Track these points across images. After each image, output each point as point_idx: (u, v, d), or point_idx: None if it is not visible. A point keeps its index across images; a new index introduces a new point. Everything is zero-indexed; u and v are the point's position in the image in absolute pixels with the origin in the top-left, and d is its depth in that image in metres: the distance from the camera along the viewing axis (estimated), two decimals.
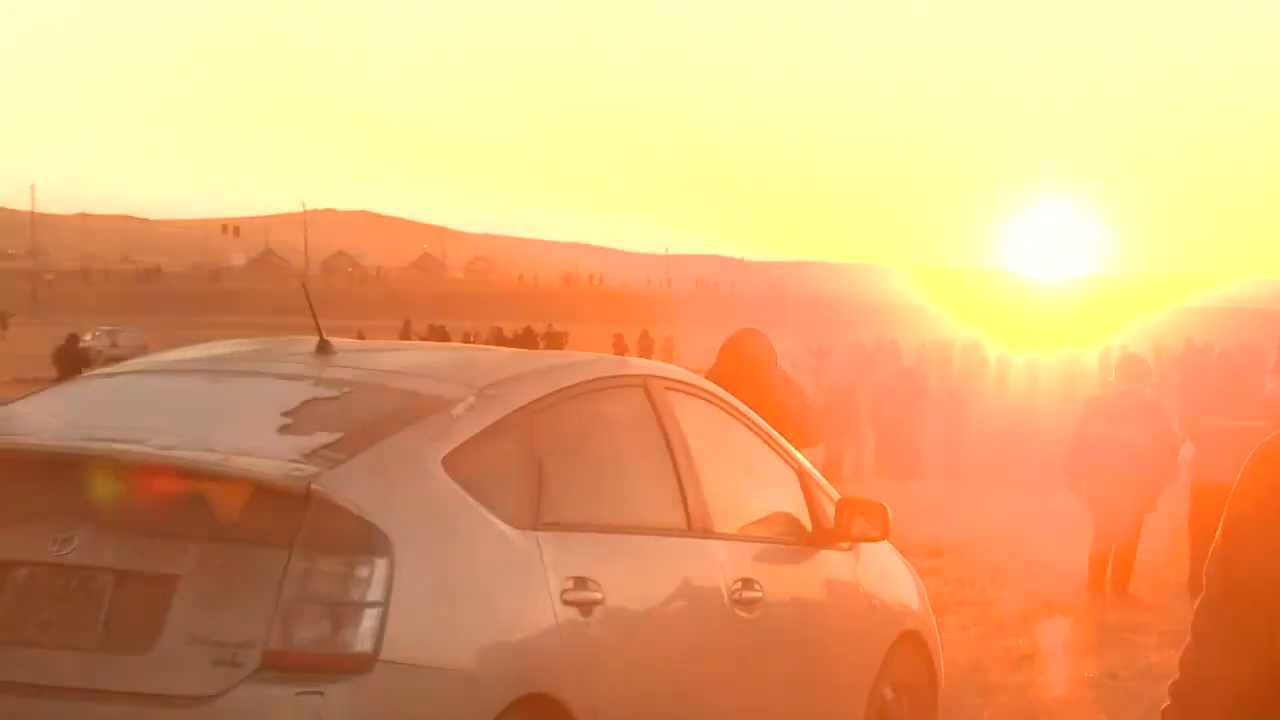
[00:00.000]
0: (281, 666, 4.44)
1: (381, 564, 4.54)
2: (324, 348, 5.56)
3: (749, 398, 6.68)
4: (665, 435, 5.78)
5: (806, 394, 9.52)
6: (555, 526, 5.15)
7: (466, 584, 4.83)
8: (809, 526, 6.40)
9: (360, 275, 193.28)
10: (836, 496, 6.60)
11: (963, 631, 10.82)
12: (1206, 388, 14.33)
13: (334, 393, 5.14)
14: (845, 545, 6.51)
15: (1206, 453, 12.84)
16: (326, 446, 4.76)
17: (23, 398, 5.55)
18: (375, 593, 4.52)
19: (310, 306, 5.81)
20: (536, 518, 5.09)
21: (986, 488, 21.60)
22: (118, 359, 9.33)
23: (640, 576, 5.49)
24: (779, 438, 6.52)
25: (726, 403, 6.33)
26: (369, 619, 4.50)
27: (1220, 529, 2.17)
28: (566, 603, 5.05)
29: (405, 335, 52.10)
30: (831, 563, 6.46)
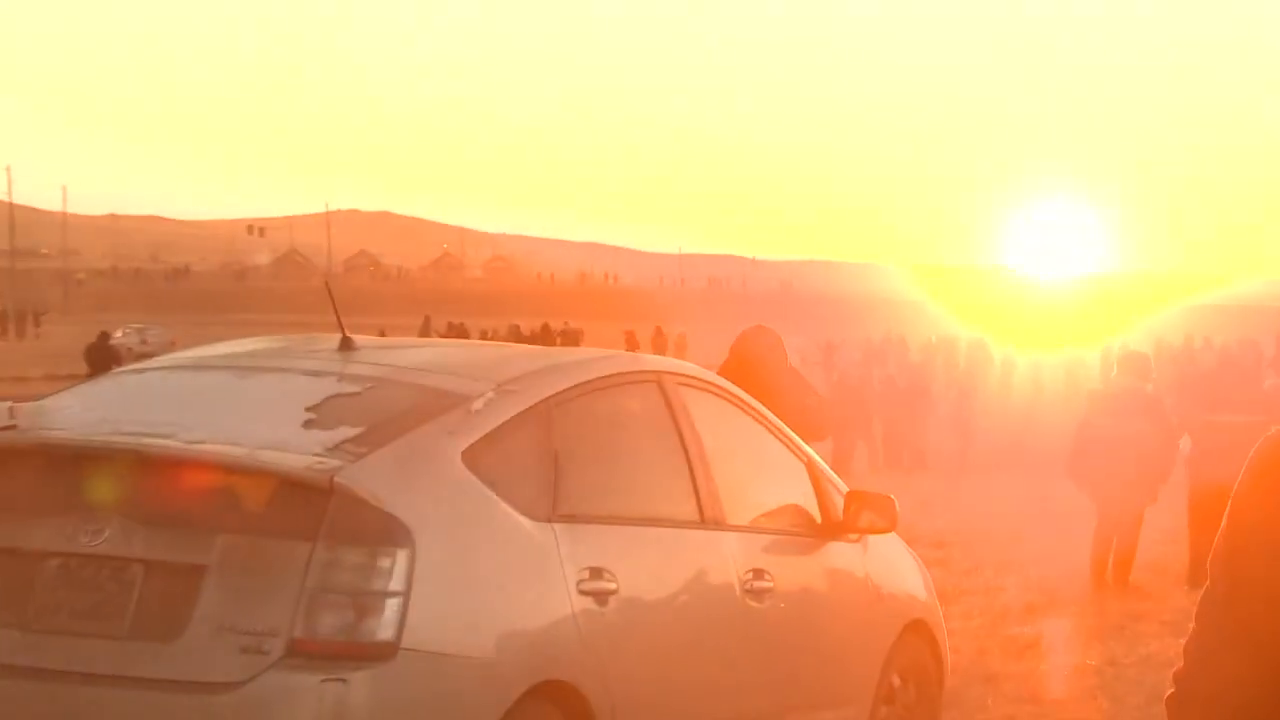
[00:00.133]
0: (306, 654, 4.45)
1: (403, 555, 4.55)
2: (346, 345, 5.57)
3: (759, 393, 6.68)
4: (678, 429, 5.78)
5: (815, 389, 9.51)
6: (571, 518, 5.15)
7: (485, 574, 4.84)
8: (818, 518, 6.40)
9: (381, 274, 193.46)
10: (845, 489, 6.59)
11: (968, 620, 10.81)
12: (1205, 383, 14.30)
13: (356, 388, 5.15)
14: (853, 537, 6.50)
15: (1204, 447, 12.83)
16: (349, 441, 4.77)
17: (55, 393, 5.56)
18: (397, 583, 4.53)
19: (333, 304, 5.82)
20: (553, 510, 5.10)
21: (992, 481, 21.59)
22: (146, 356, 9.33)
23: (654, 567, 5.49)
24: (789, 432, 6.52)
25: (738, 398, 6.32)
26: (391, 608, 4.51)
27: (1224, 523, 2.16)
28: (582, 592, 5.05)
29: (425, 332, 52.16)
30: (840, 554, 6.46)
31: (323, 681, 4.42)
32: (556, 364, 5.65)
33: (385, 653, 4.48)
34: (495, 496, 4.93)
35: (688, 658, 5.52)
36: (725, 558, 5.78)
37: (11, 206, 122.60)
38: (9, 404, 5.11)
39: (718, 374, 6.83)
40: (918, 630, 6.82)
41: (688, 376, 6.10)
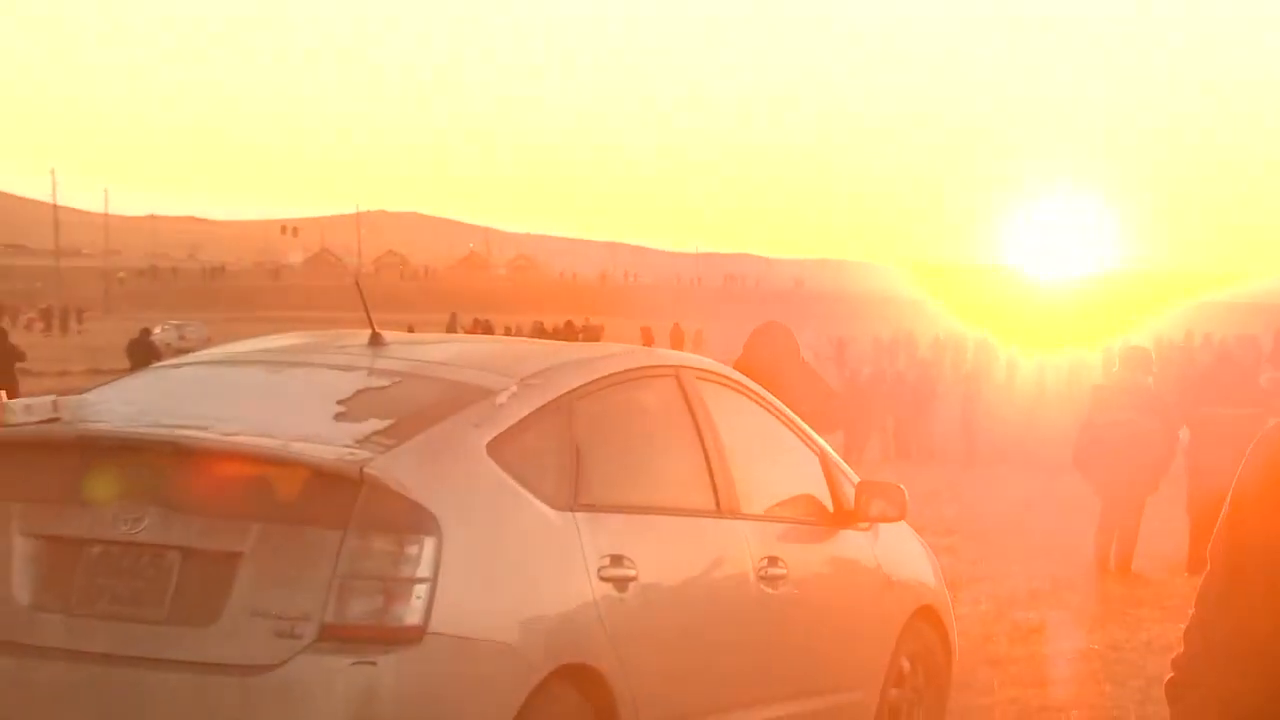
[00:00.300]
0: (337, 638, 4.45)
1: (430, 542, 4.55)
2: (376, 340, 5.57)
3: (773, 387, 6.67)
4: (695, 422, 5.78)
5: (827, 383, 9.50)
6: (592, 507, 5.15)
7: (509, 561, 4.84)
8: (830, 507, 6.39)
9: (409, 272, 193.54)
10: (856, 479, 6.58)
11: (975, 606, 10.80)
12: (1203, 378, 14.26)
13: (385, 382, 5.15)
14: (864, 525, 6.49)
15: (1203, 439, 12.81)
16: (378, 433, 4.77)
17: (96, 387, 5.58)
18: (424, 569, 4.53)
19: (363, 302, 5.82)
20: (574, 499, 5.10)
21: (998, 473, 21.55)
22: (184, 351, 9.37)
23: (672, 554, 5.49)
24: (802, 424, 6.51)
25: (753, 391, 6.32)
26: (418, 594, 4.51)
27: (1226, 512, 2.16)
28: (603, 579, 5.05)
29: (451, 329, 52.19)
30: (851, 542, 6.44)
31: (353, 664, 4.42)
32: (578, 359, 5.65)
33: (413, 637, 4.49)
34: (519, 486, 4.93)
35: (704, 642, 5.51)
36: (741, 545, 5.77)
37: (55, 208, 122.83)
38: (53, 397, 5.12)
39: (733, 368, 6.82)
40: (927, 616, 6.81)
41: (704, 371, 6.09)
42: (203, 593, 4.55)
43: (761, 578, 5.80)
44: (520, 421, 5.05)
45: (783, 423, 6.40)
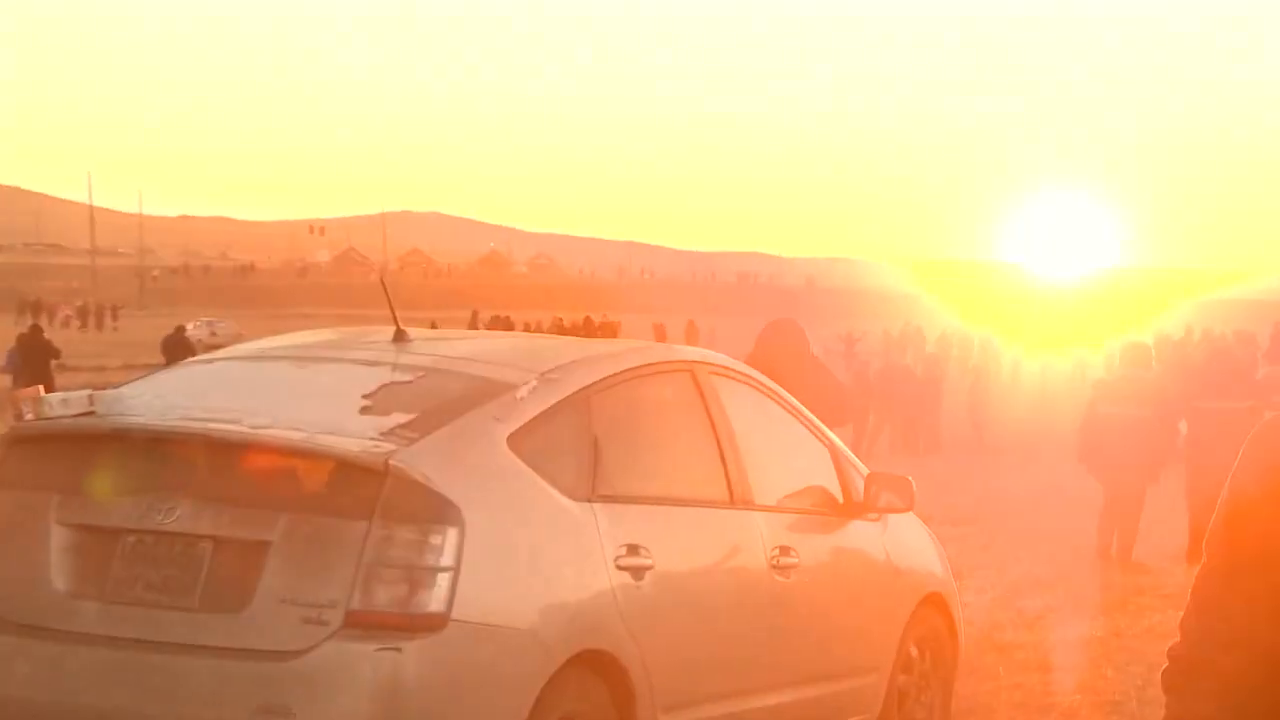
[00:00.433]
0: (363, 625, 4.45)
1: (453, 532, 4.55)
2: (400, 336, 5.57)
3: (785, 381, 6.65)
4: (709, 415, 5.77)
5: (837, 378, 9.48)
6: (610, 498, 5.14)
7: (529, 550, 4.84)
8: (840, 499, 6.37)
9: (433, 271, 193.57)
10: (865, 471, 6.57)
11: (981, 594, 10.78)
12: (1200, 372, 14.23)
13: (409, 377, 5.15)
14: (873, 516, 6.47)
15: (1201, 432, 12.79)
16: (403, 426, 4.77)
17: (130, 382, 5.58)
18: (447, 558, 4.53)
19: (388, 299, 5.82)
20: (593, 490, 5.09)
21: (1004, 465, 21.51)
22: (215, 347, 9.39)
23: (687, 544, 5.48)
24: (812, 417, 6.50)
25: (765, 386, 6.31)
26: (442, 582, 4.51)
27: (1222, 505, 2.14)
28: (620, 567, 5.05)
29: (473, 325, 52.21)
30: (861, 532, 6.43)
31: (378, 650, 4.43)
32: (596, 354, 5.64)
33: (436, 624, 4.49)
34: (539, 478, 4.93)
35: (718, 629, 5.51)
36: (753, 535, 5.77)
37: (92, 209, 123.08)
38: (88, 391, 5.13)
39: (746, 363, 6.81)
40: (934, 603, 6.79)
41: (718, 366, 6.09)
42: (233, 581, 4.56)
43: (774, 567, 5.79)
44: (540, 415, 5.04)
45: (794, 416, 6.38)
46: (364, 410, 4.88)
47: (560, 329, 49.85)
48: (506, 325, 50.78)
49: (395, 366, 5.25)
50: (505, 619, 4.65)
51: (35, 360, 22.94)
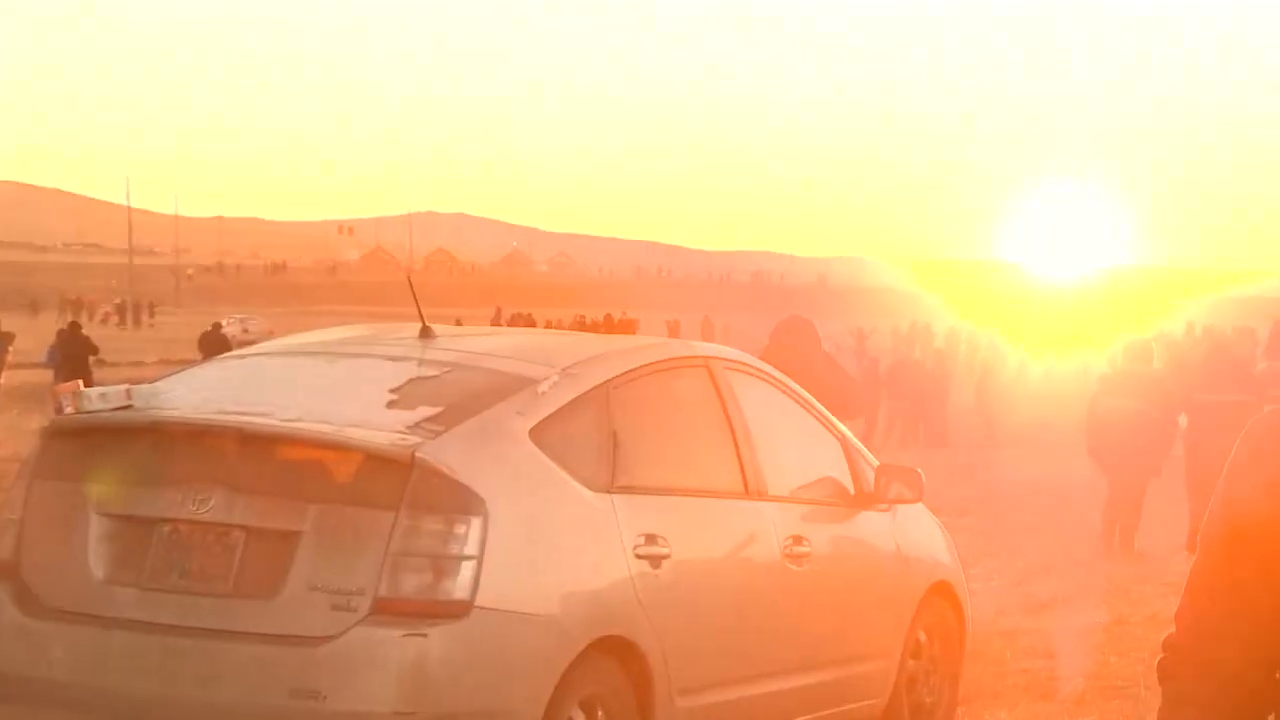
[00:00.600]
0: (390, 612, 4.45)
1: (477, 522, 4.55)
2: (426, 333, 5.57)
3: (797, 376, 6.64)
4: (724, 409, 5.76)
5: (847, 372, 9.46)
6: (628, 489, 5.14)
7: (551, 540, 4.83)
8: (851, 489, 6.36)
9: (457, 269, 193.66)
10: (875, 463, 6.55)
11: (988, 582, 10.75)
12: (1200, 367, 14.18)
13: (435, 372, 5.15)
14: (883, 506, 6.46)
15: (1200, 424, 12.75)
16: (428, 419, 4.77)
17: (166, 377, 5.59)
18: (471, 547, 4.53)
19: (414, 297, 5.82)
20: (612, 481, 5.09)
21: (1010, 457, 21.45)
22: (248, 343, 9.40)
23: (703, 533, 5.48)
24: (824, 411, 6.48)
25: (778, 380, 6.29)
26: (466, 570, 4.51)
27: (1218, 496, 2.13)
28: (638, 556, 5.04)
29: (496, 322, 52.20)
30: (871, 522, 6.42)
31: (405, 636, 4.43)
32: (615, 350, 5.63)
33: (461, 610, 4.49)
34: (560, 470, 4.92)
35: (733, 616, 5.50)
36: (767, 525, 5.76)
37: (130, 210, 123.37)
38: (126, 386, 5.13)
39: (759, 359, 6.80)
40: (942, 591, 6.77)
41: (733, 361, 6.08)
42: (265, 569, 4.57)
43: (787, 555, 5.78)
44: (561, 409, 5.04)
45: (806, 410, 6.37)
46: (391, 404, 4.88)
47: (582, 326, 49.87)
48: (528, 322, 50.80)
49: (421, 362, 5.25)
50: (527, 605, 4.65)
51: (75, 356, 23.00)
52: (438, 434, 4.69)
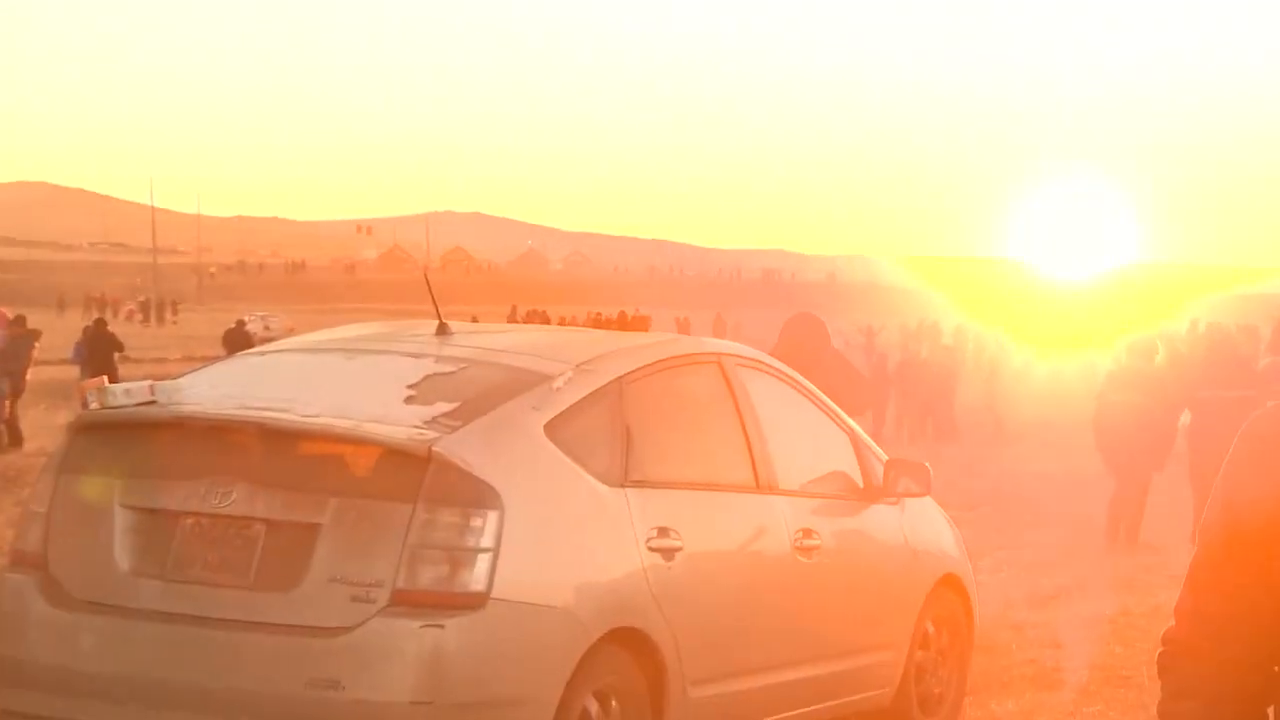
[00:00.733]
0: (408, 603, 4.46)
1: (493, 515, 4.55)
2: (443, 330, 5.57)
3: (807, 372, 6.63)
4: (736, 405, 5.75)
5: (856, 369, 9.44)
6: (641, 483, 5.13)
7: (565, 533, 4.83)
8: (860, 483, 6.35)
9: (474, 268, 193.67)
10: (884, 457, 6.54)
11: (995, 574, 10.73)
12: (1203, 363, 14.15)
13: (451, 368, 5.15)
14: (892, 500, 6.45)
15: (1203, 420, 12.73)
16: (445, 414, 4.77)
17: (188, 373, 5.60)
18: (487, 540, 4.53)
19: (431, 295, 5.82)
20: (625, 475, 5.08)
21: (1017, 451, 21.40)
22: (269, 340, 9.41)
23: (715, 526, 5.47)
24: (833, 406, 6.47)
25: (788, 376, 6.28)
26: (482, 563, 4.51)
27: (1217, 490, 2.11)
28: (651, 549, 5.04)
29: (512, 319, 52.22)
30: (880, 515, 6.41)
31: (422, 627, 4.43)
32: (628, 347, 5.63)
33: (477, 602, 4.49)
34: (574, 464, 4.92)
35: (744, 607, 5.50)
36: (778, 518, 5.75)
37: (153, 210, 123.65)
38: (149, 382, 5.14)
39: (770, 355, 6.79)
40: (950, 583, 6.76)
41: (744, 358, 6.07)
42: (285, 561, 4.57)
43: (797, 548, 5.78)
44: (575, 404, 5.04)
45: (816, 405, 6.36)
46: (409, 400, 4.89)
47: (597, 323, 49.89)
48: (543, 319, 50.81)
49: (438, 358, 5.25)
50: (542, 597, 4.65)
51: (100, 352, 23.04)
52: (455, 429, 4.69)
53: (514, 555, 4.56)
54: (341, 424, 4.69)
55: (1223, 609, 2.06)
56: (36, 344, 20.50)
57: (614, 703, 4.89)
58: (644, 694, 4.99)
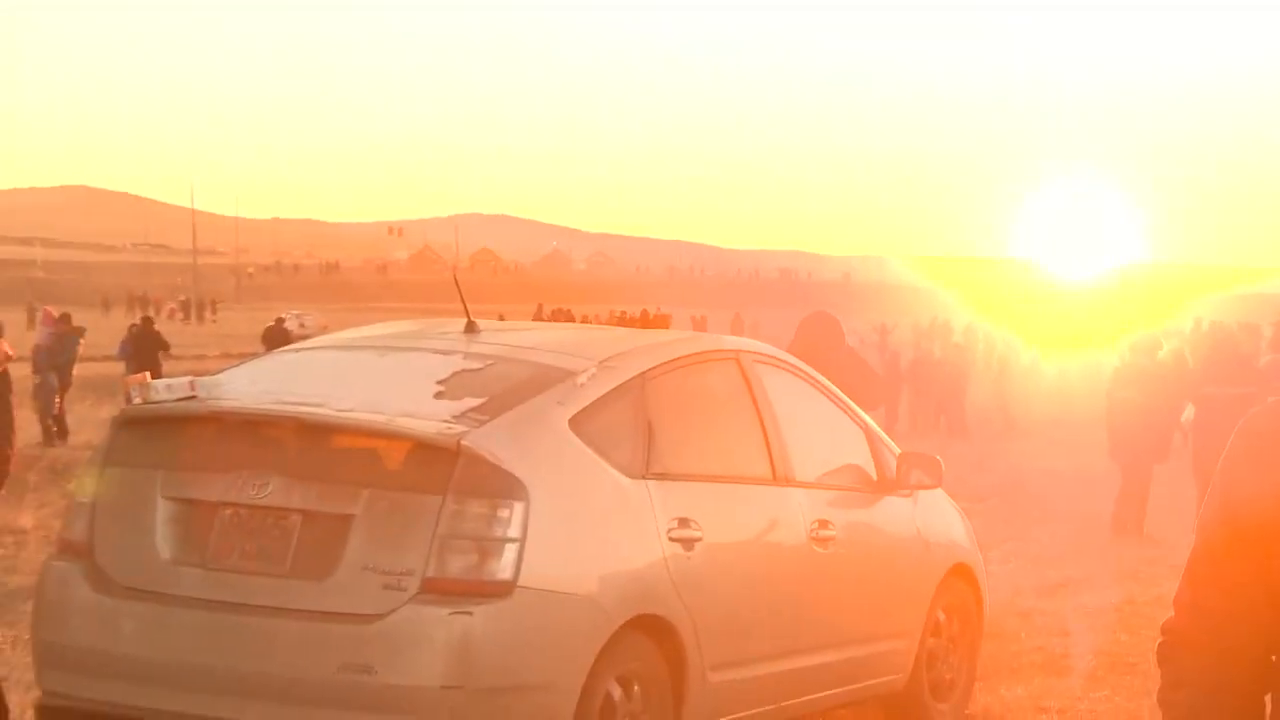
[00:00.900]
0: (437, 591, 4.46)
1: (519, 507, 4.56)
2: (471, 328, 5.58)
3: (822, 368, 6.62)
4: (754, 400, 5.74)
5: (870, 365, 9.42)
6: (662, 476, 5.13)
7: (589, 523, 4.84)
8: (874, 476, 6.34)
9: (500, 268, 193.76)
10: (897, 451, 6.52)
11: (1004, 564, 10.70)
12: (1205, 360, 14.09)
13: (479, 365, 5.15)
14: (905, 492, 6.43)
15: (1207, 415, 12.69)
16: (473, 409, 4.77)
17: (227, 369, 5.62)
18: (514, 530, 4.53)
19: (460, 294, 5.83)
20: (647, 468, 5.08)
21: (1027, 446, 21.34)
22: (304, 338, 9.45)
23: (733, 518, 5.47)
24: (848, 401, 6.46)
25: (804, 372, 6.27)
26: (509, 552, 4.51)
27: (1216, 484, 2.10)
28: (672, 539, 5.04)
29: (537, 317, 52.23)
30: (893, 507, 6.39)
31: (451, 614, 4.44)
32: (649, 344, 5.63)
33: (505, 590, 4.49)
34: (597, 457, 4.92)
35: (762, 596, 5.49)
36: (794, 510, 5.74)
37: (193, 213, 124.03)
38: (190, 378, 5.16)
39: (787, 352, 6.78)
40: (961, 573, 6.74)
41: (762, 354, 6.06)
42: (320, 550, 4.58)
43: (813, 539, 5.77)
44: (599, 399, 5.04)
45: (831, 400, 6.35)
46: (438, 395, 4.89)
47: (621, 321, 49.89)
48: (567, 317, 50.81)
49: (467, 355, 5.26)
50: (567, 586, 4.66)
51: (146, 350, 23.10)
52: (483, 423, 4.70)
53: (540, 545, 4.57)
54: (374, 419, 4.70)
55: (1221, 604, 2.04)
56: (81, 341, 20.58)
57: (636, 687, 4.90)
58: (665, 679, 4.99)
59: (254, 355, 7.59)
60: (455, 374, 5.05)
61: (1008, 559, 11.09)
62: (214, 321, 76.04)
